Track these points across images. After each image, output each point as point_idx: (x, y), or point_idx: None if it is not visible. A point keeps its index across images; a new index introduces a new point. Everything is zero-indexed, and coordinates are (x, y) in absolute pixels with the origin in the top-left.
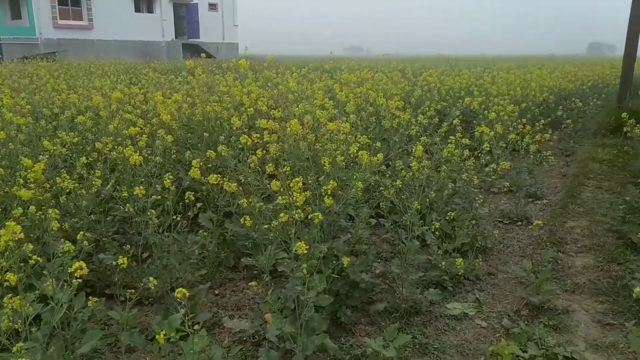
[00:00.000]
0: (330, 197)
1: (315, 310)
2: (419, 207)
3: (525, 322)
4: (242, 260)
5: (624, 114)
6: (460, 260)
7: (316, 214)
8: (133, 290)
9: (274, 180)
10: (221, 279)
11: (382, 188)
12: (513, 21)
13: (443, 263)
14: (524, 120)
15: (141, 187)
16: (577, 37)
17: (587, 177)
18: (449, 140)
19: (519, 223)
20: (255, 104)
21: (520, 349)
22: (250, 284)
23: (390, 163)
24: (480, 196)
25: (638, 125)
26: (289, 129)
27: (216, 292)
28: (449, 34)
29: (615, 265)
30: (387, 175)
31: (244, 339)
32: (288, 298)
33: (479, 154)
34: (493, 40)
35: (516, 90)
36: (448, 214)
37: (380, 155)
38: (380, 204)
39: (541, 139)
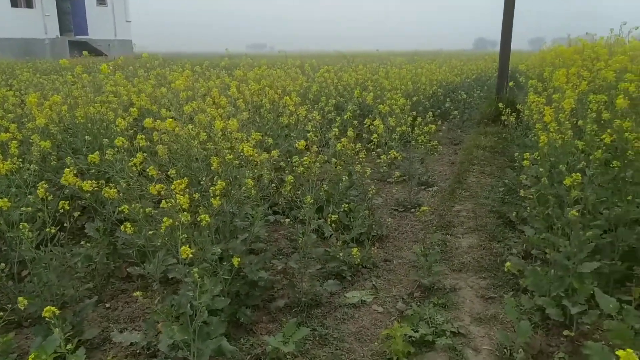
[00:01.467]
0: (223, 197)
1: (213, 314)
2: (312, 201)
3: (418, 304)
4: (128, 270)
5: (500, 104)
6: (356, 249)
7: (203, 215)
8: (1, 313)
9: (152, 184)
10: (112, 291)
11: (274, 184)
12: (406, 19)
13: (341, 254)
14: (414, 113)
15: (5, 199)
16: (465, 33)
17: (472, 164)
18: (332, 133)
19: (413, 210)
20: (150, 103)
21: (413, 329)
22: (135, 293)
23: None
24: (373, 187)
25: (513, 114)
26: (177, 128)
27: (107, 305)
28: (349, 30)
29: (495, 243)
30: (286, 171)
31: (138, 351)
32: (182, 305)
33: (373, 147)
34: (389, 36)
35: (408, 84)
36: (343, 205)
37: (274, 152)
38: (279, 200)
39: (431, 130)
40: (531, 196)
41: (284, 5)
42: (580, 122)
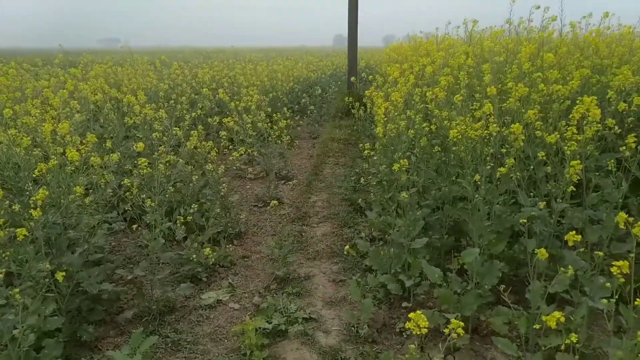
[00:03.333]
0: (52, 207)
1: (49, 336)
2: (153, 204)
3: (273, 295)
4: None
5: (347, 99)
6: (208, 249)
7: (20, 230)
8: None
9: None
10: None
11: (111, 190)
12: (268, 14)
13: (194, 256)
14: (269, 110)
15: None
16: (326, 30)
17: (327, 156)
18: (181, 132)
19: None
20: None
21: (267, 321)
22: None
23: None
24: (226, 185)
25: (362, 107)
26: None
27: None
28: (208, 26)
29: (347, 229)
30: (134, 174)
31: None
32: (5, 331)
33: (227, 144)
34: (251, 32)
35: (264, 80)
36: (193, 206)
37: (114, 155)
38: (126, 206)
39: (287, 125)
40: (374, 183)
41: None
42: (409, 113)
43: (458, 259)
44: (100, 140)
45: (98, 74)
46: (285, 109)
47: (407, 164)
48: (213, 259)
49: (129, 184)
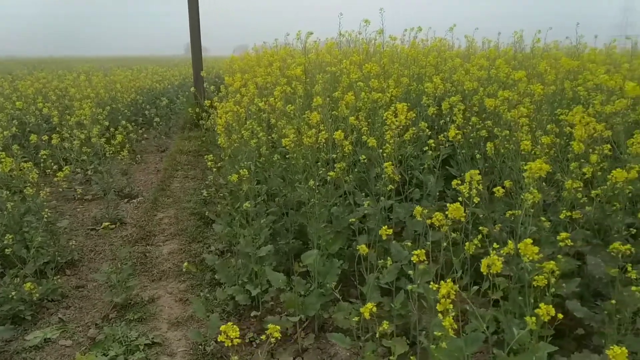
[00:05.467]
0: None
1: None
2: None
3: (112, 325)
4: None
5: (191, 110)
6: (29, 284)
7: None
8: None
9: None
10: None
11: None
12: (108, 21)
13: (14, 293)
14: (106, 123)
15: None
16: (177, 38)
17: (176, 169)
18: None
19: (113, 226)
20: None
21: (103, 354)
22: None
23: None
24: (48, 210)
25: (210, 118)
26: None
27: None
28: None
29: (195, 244)
30: None
31: None
32: None
33: (52, 164)
34: (86, 41)
35: (101, 92)
36: (6, 236)
37: None
38: None
39: (131, 139)
40: (221, 194)
41: None
42: (249, 123)
43: (299, 262)
44: None
45: None
46: (125, 122)
47: (248, 173)
48: (38, 294)
49: None
